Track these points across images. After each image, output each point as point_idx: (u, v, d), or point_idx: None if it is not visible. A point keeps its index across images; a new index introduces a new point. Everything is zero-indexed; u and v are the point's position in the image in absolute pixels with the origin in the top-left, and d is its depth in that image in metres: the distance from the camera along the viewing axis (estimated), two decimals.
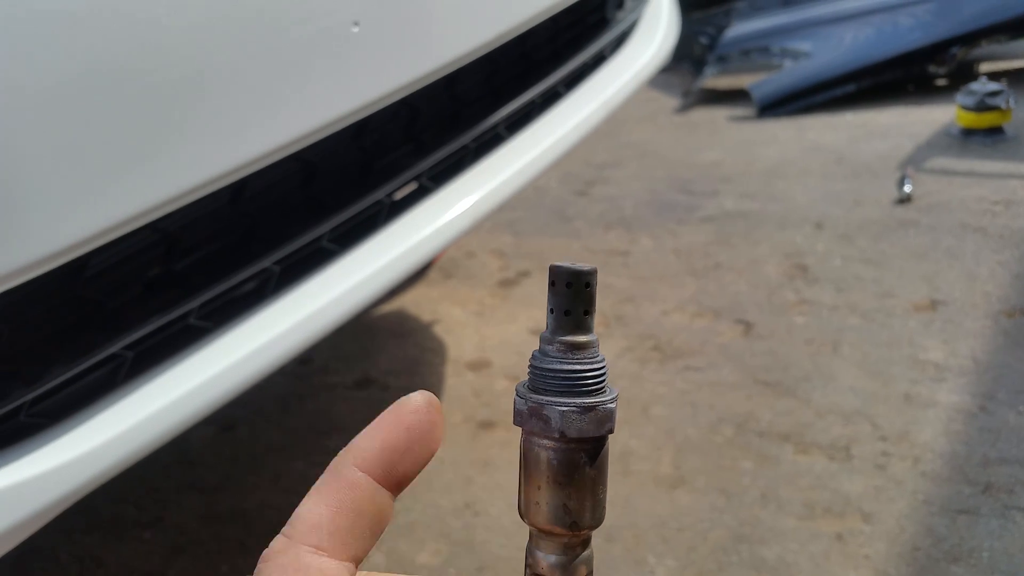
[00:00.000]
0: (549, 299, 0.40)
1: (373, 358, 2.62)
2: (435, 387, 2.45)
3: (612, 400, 0.40)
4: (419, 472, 0.42)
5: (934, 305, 2.54)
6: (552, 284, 0.40)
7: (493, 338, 2.67)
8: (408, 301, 2.95)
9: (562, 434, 0.39)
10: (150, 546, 1.97)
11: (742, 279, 2.85)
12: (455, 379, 2.49)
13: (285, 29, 1.00)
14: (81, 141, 0.87)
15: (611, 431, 0.40)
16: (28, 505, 0.91)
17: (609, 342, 2.58)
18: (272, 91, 1.00)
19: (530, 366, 0.41)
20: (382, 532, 0.41)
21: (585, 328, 0.40)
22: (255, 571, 0.40)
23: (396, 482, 0.41)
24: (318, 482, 0.41)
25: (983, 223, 3.02)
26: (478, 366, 2.53)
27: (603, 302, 2.82)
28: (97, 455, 0.96)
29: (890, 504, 1.82)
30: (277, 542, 0.40)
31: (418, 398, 0.42)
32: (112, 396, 1.00)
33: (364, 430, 0.41)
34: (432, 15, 1.19)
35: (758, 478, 1.94)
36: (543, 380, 0.40)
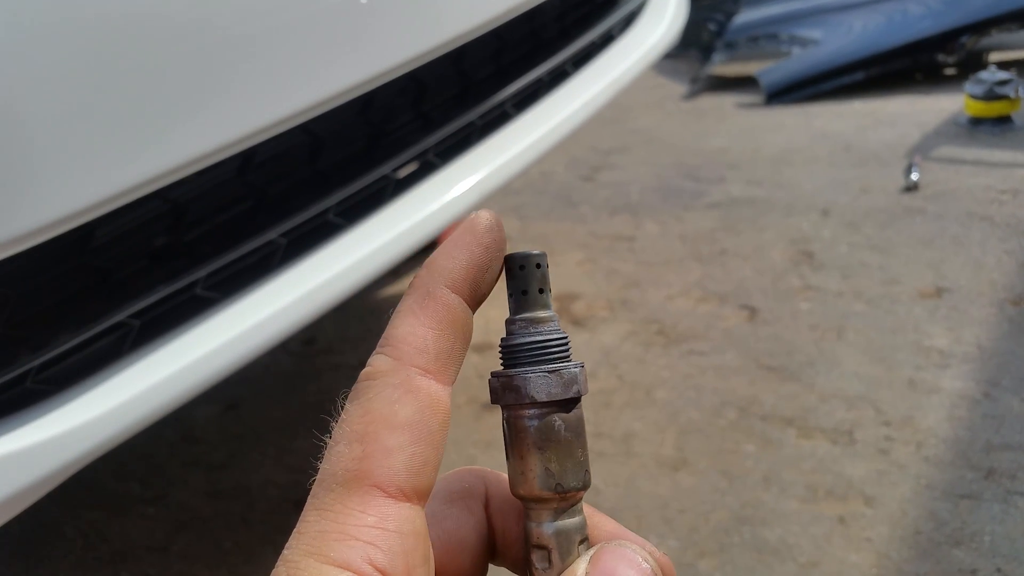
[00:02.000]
0: (508, 285, 0.43)
1: (378, 339, 2.62)
2: None
3: (576, 366, 0.42)
4: (492, 289, 0.43)
5: (939, 292, 2.54)
6: (508, 270, 0.43)
7: (497, 320, 2.66)
8: None
9: (532, 399, 0.41)
10: (154, 522, 1.98)
11: (747, 265, 2.85)
12: None
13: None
14: (89, 106, 0.87)
15: (579, 393, 0.42)
16: (33, 471, 0.91)
17: (614, 326, 2.58)
18: (280, 61, 1.00)
19: (499, 347, 0.43)
20: (466, 351, 0.42)
21: (542, 305, 0.43)
22: (357, 387, 0.39)
23: (478, 301, 0.42)
24: (409, 301, 0.41)
25: (990, 212, 3.01)
26: (482, 348, 2.53)
27: (608, 286, 2.82)
28: (102, 423, 0.96)
29: (893, 488, 1.82)
30: (382, 361, 0.39)
31: (488, 216, 0.42)
32: (118, 364, 1.00)
33: (442, 249, 0.41)
34: None
35: (761, 461, 1.94)
36: (511, 356, 0.43)
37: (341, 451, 0.37)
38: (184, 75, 0.94)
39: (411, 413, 0.38)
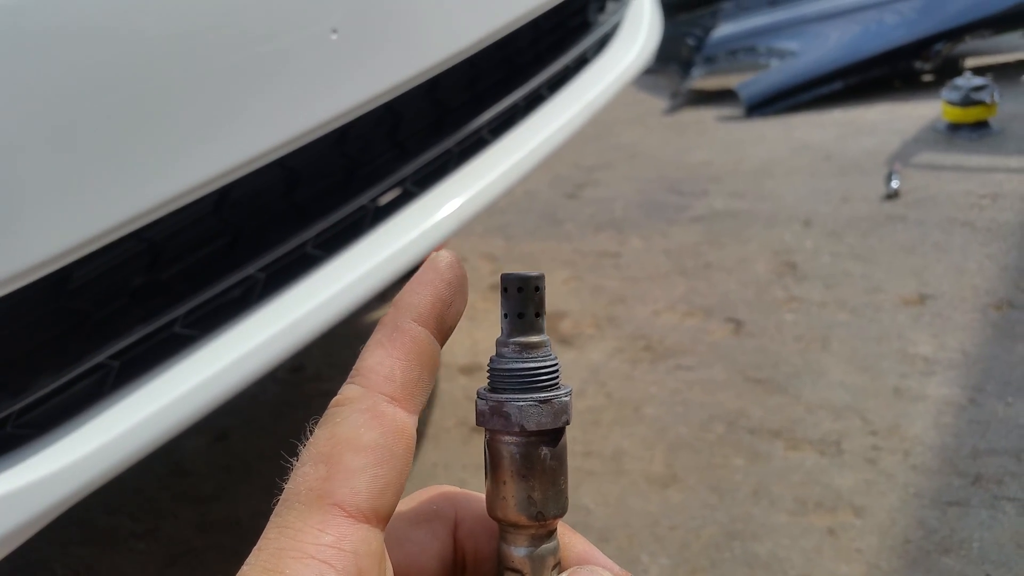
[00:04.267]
0: (502, 305, 0.43)
1: None
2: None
3: (566, 394, 0.42)
4: (457, 323, 0.44)
5: (923, 299, 2.56)
6: (504, 290, 0.42)
7: (485, 342, 2.68)
8: None
9: (522, 428, 0.41)
10: (145, 556, 1.97)
11: (732, 278, 2.86)
12: (447, 383, 2.49)
13: (264, 38, 1.01)
14: (63, 151, 0.87)
15: (567, 423, 0.42)
16: (17, 515, 0.91)
17: (601, 343, 2.59)
18: (252, 99, 1.01)
19: (488, 368, 0.43)
20: (434, 382, 0.43)
21: (537, 329, 0.43)
22: (327, 414, 0.40)
23: (444, 334, 0.43)
24: (378, 336, 0.42)
25: (970, 217, 3.03)
26: (470, 370, 2.53)
27: (594, 303, 2.83)
28: (85, 465, 0.96)
29: (881, 498, 1.83)
30: (351, 390, 0.41)
31: (448, 255, 0.44)
32: (99, 405, 1.01)
33: (408, 287, 0.43)
34: (411, 21, 1.20)
35: (750, 475, 1.95)
36: (501, 380, 0.42)
37: (306, 472, 0.39)
38: (157, 115, 0.94)
39: (376, 437, 0.39)
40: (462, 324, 2.87)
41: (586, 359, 2.51)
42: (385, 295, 1.30)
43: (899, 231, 3.00)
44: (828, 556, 1.70)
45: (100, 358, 1.00)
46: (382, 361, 0.41)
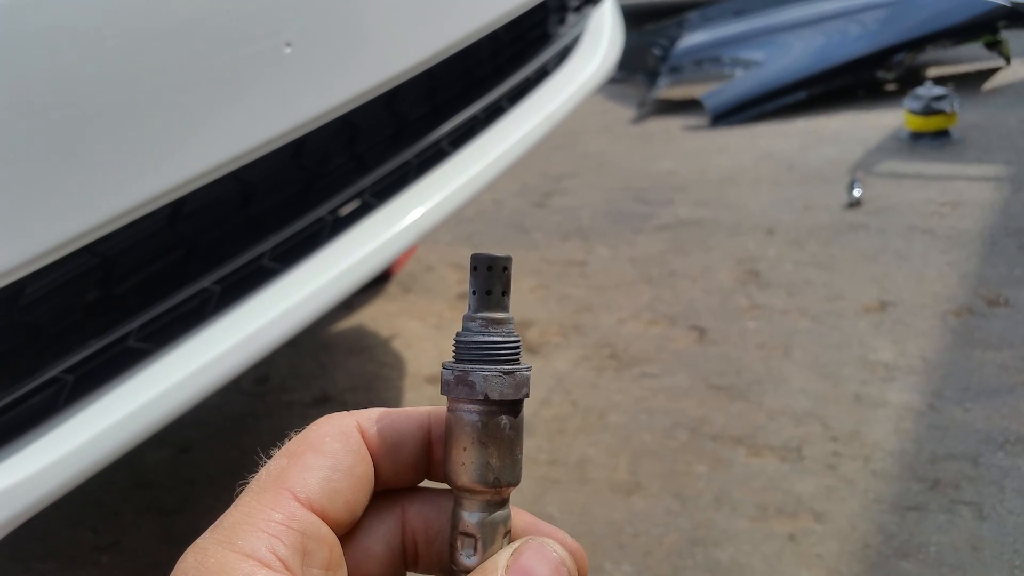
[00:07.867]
0: (471, 283, 0.45)
1: (331, 375, 2.62)
2: (393, 402, 2.45)
3: (527, 369, 0.45)
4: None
5: (883, 306, 2.59)
6: (474, 269, 0.45)
7: (448, 355, 2.68)
8: (366, 316, 2.96)
9: (485, 396, 0.43)
10: (108, 570, 1.96)
11: (696, 286, 2.89)
12: (413, 393, 2.49)
13: (217, 52, 1.01)
14: (14, 163, 0.87)
15: (527, 395, 0.45)
16: None
17: (567, 352, 2.60)
18: (205, 112, 1.01)
19: (455, 341, 0.45)
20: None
21: (503, 307, 0.45)
22: (309, 425, 0.45)
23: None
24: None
25: (931, 225, 3.08)
26: (437, 380, 2.54)
27: (561, 312, 2.85)
28: (39, 479, 0.96)
29: (841, 503, 1.85)
30: (338, 412, 0.46)
31: None
32: (53, 420, 1.00)
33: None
34: (366, 35, 1.20)
35: (712, 481, 1.96)
36: (467, 351, 0.44)
37: (270, 464, 0.43)
38: (109, 128, 0.94)
39: (338, 448, 0.43)
40: (428, 333, 2.88)
41: (552, 368, 2.52)
42: (351, 304, 1.30)
43: (861, 239, 3.04)
44: (789, 562, 1.72)
45: (54, 372, 1.00)
46: (377, 411, 0.46)
